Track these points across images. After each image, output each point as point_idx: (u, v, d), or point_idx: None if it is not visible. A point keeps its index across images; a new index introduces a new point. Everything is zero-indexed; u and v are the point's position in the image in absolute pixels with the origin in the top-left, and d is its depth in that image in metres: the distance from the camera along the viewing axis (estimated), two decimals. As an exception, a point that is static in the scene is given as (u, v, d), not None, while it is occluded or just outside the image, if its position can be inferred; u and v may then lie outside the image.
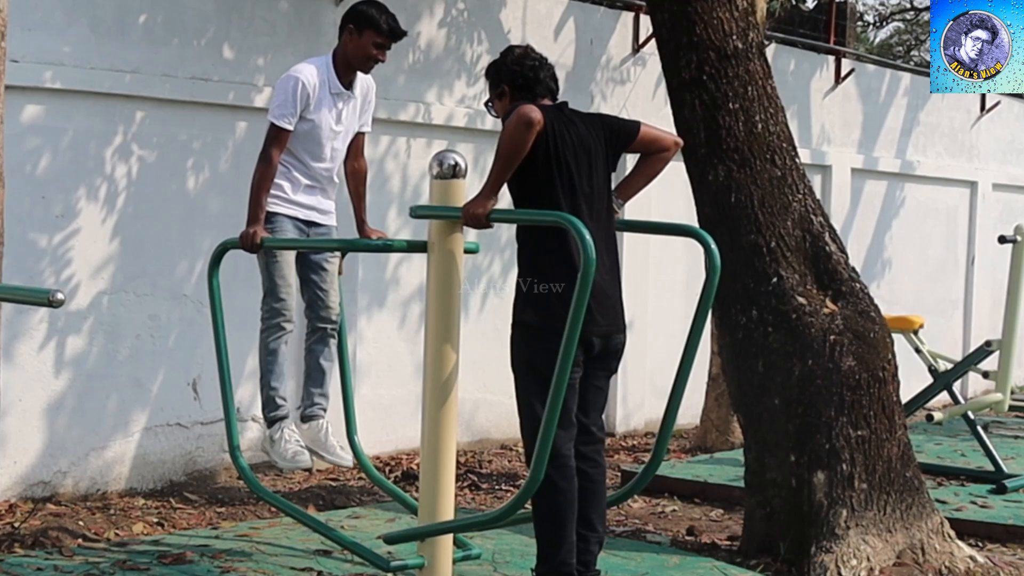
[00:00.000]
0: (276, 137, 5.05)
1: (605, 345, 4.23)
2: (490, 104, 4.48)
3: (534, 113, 4.01)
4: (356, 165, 5.36)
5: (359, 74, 5.18)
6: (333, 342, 5.27)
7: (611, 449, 8.35)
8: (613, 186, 4.44)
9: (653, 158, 4.42)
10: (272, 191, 5.06)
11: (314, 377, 5.29)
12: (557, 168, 4.15)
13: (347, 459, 5.32)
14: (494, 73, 4.44)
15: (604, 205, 4.30)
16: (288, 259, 5.12)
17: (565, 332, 3.74)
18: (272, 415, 5.15)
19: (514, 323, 4.24)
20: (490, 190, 4.08)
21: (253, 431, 6.97)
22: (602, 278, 4.12)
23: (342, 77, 5.11)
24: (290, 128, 5.03)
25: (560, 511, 4.10)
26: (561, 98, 4.42)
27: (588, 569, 4.29)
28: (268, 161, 5.03)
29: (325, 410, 5.30)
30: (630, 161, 4.70)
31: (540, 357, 4.06)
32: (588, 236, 3.72)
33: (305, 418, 5.28)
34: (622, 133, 4.37)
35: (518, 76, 4.36)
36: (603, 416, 4.42)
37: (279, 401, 5.15)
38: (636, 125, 4.39)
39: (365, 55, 5.11)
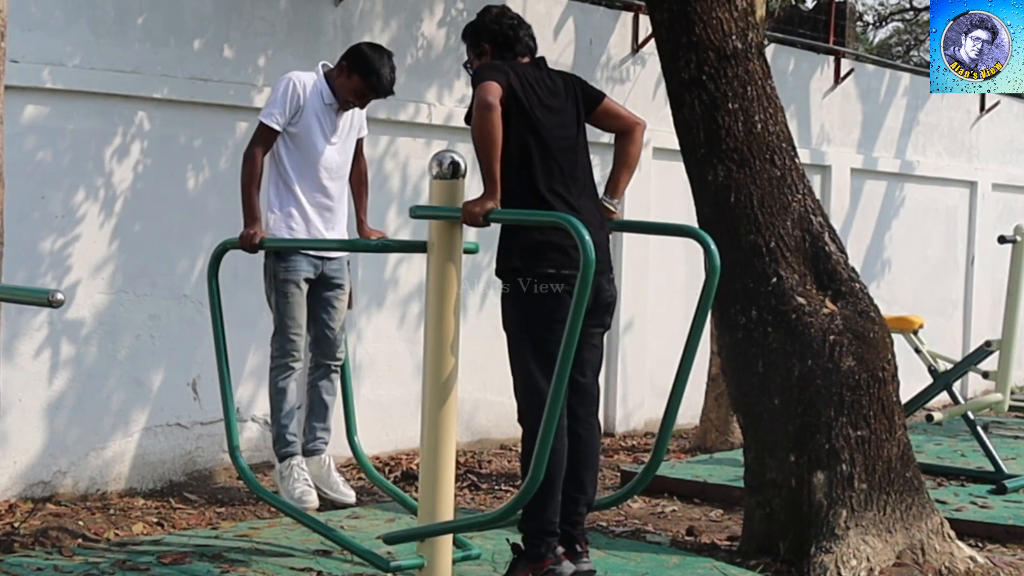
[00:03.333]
0: (261, 135, 5.11)
1: (596, 298, 4.16)
2: (469, 65, 4.47)
3: (490, 95, 4.00)
4: (356, 166, 5.37)
5: None
6: (336, 377, 5.34)
7: (611, 449, 8.35)
8: (601, 189, 4.45)
9: (625, 142, 4.46)
10: (283, 224, 5.10)
11: (317, 412, 5.36)
12: (527, 125, 4.16)
13: (350, 496, 5.42)
14: (473, 33, 4.45)
15: (582, 161, 4.32)
16: (299, 300, 5.16)
17: (564, 335, 3.72)
18: (283, 451, 5.27)
19: (499, 271, 4.23)
20: (491, 188, 4.07)
21: (253, 431, 6.97)
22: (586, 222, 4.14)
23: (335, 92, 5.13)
24: (276, 128, 5.05)
25: (550, 469, 4.05)
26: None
27: (575, 529, 4.27)
28: (252, 159, 5.08)
29: (327, 444, 5.42)
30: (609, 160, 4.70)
31: (532, 312, 4.08)
32: (588, 237, 3.71)
33: (308, 452, 5.39)
34: (588, 96, 4.43)
35: (498, 35, 4.38)
36: (599, 376, 4.37)
37: (289, 438, 5.25)
38: (601, 93, 4.47)
39: (344, 97, 5.13)
